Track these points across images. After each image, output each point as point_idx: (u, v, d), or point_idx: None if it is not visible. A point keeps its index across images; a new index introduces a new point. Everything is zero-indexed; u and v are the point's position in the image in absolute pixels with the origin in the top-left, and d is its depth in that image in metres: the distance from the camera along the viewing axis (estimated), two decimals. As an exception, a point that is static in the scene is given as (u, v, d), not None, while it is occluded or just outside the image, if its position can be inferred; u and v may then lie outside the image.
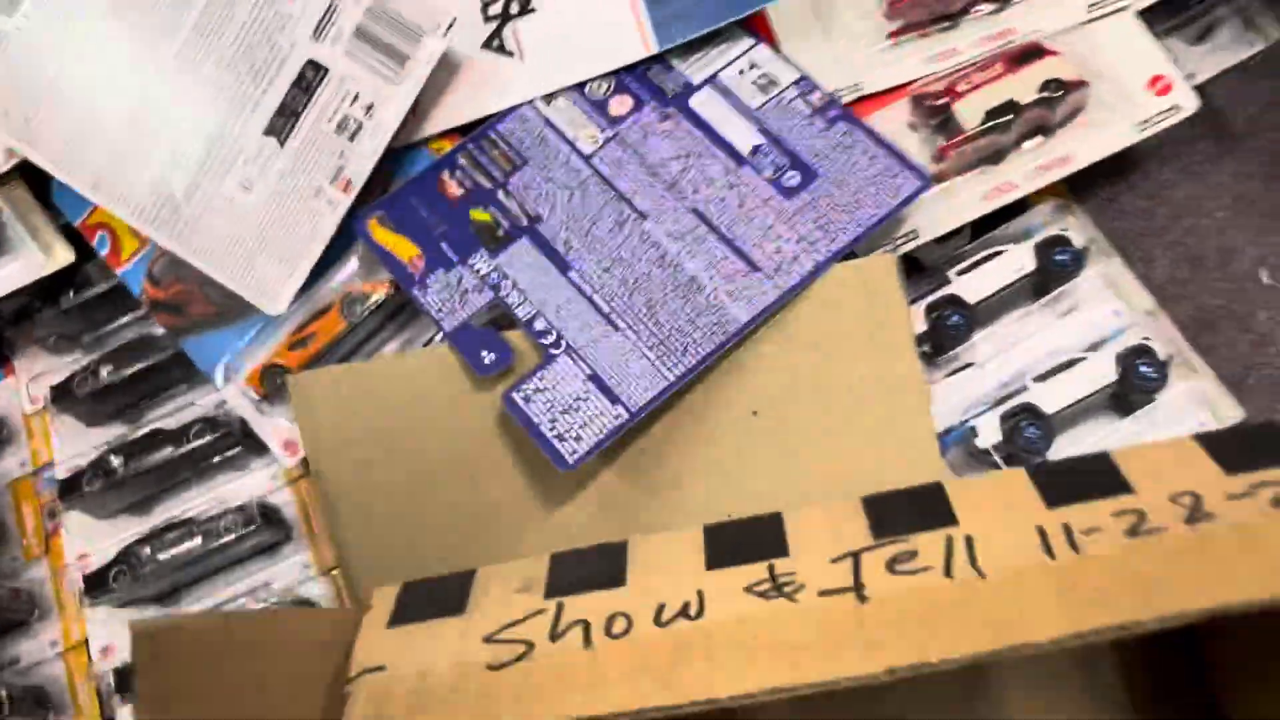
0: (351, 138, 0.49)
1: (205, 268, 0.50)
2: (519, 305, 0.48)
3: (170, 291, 0.54)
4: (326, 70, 0.49)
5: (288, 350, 0.50)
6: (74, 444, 0.56)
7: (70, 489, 0.53)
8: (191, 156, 0.49)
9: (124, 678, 0.52)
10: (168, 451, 0.53)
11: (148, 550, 0.52)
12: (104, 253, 0.54)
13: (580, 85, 0.52)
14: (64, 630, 0.54)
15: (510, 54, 0.53)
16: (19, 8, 0.50)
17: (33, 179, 0.55)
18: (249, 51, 0.49)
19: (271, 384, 0.50)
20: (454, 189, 0.51)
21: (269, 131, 0.49)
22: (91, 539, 0.55)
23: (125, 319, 0.58)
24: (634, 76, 0.51)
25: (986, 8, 0.52)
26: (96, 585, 0.52)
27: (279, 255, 0.49)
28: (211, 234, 0.50)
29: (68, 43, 0.49)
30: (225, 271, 0.50)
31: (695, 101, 0.50)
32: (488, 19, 0.53)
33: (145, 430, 0.55)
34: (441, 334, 0.48)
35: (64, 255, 0.56)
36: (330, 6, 0.49)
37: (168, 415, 0.56)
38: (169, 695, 0.34)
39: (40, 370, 0.59)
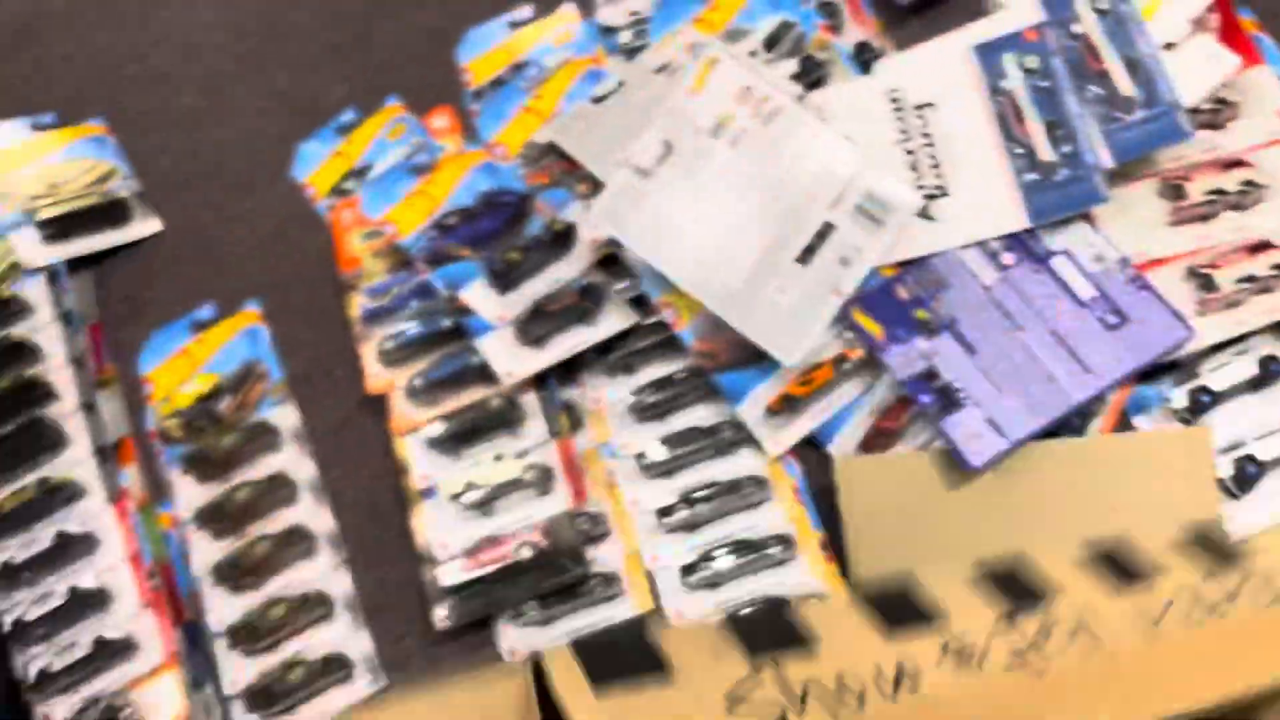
0: (846, 267, 0.84)
1: (749, 334, 0.85)
2: (944, 371, 0.82)
3: (708, 346, 0.90)
4: (835, 228, 0.85)
5: (798, 385, 0.85)
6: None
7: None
8: (751, 270, 0.85)
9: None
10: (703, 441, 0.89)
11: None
12: (670, 319, 0.90)
13: (982, 242, 0.86)
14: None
15: (932, 219, 0.87)
16: (657, 174, 0.86)
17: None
18: (792, 214, 0.85)
19: (787, 407, 0.85)
20: (904, 295, 0.85)
21: (797, 260, 0.85)
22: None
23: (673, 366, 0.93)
24: (1017, 240, 0.86)
25: (1236, 215, 0.85)
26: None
27: (795, 331, 0.85)
28: (755, 315, 0.85)
29: (685, 195, 0.86)
30: (761, 336, 0.85)
31: (1055, 263, 0.84)
32: (922, 199, 0.88)
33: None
34: (899, 381, 0.83)
35: (632, 317, 0.92)
36: (841, 194, 0.84)
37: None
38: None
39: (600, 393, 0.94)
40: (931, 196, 0.88)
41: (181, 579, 0.95)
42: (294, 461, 0.98)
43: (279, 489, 0.95)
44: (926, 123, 0.90)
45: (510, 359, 0.90)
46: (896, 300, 0.85)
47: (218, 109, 1.16)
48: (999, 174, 0.86)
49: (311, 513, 0.96)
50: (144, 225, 1.11)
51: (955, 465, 0.81)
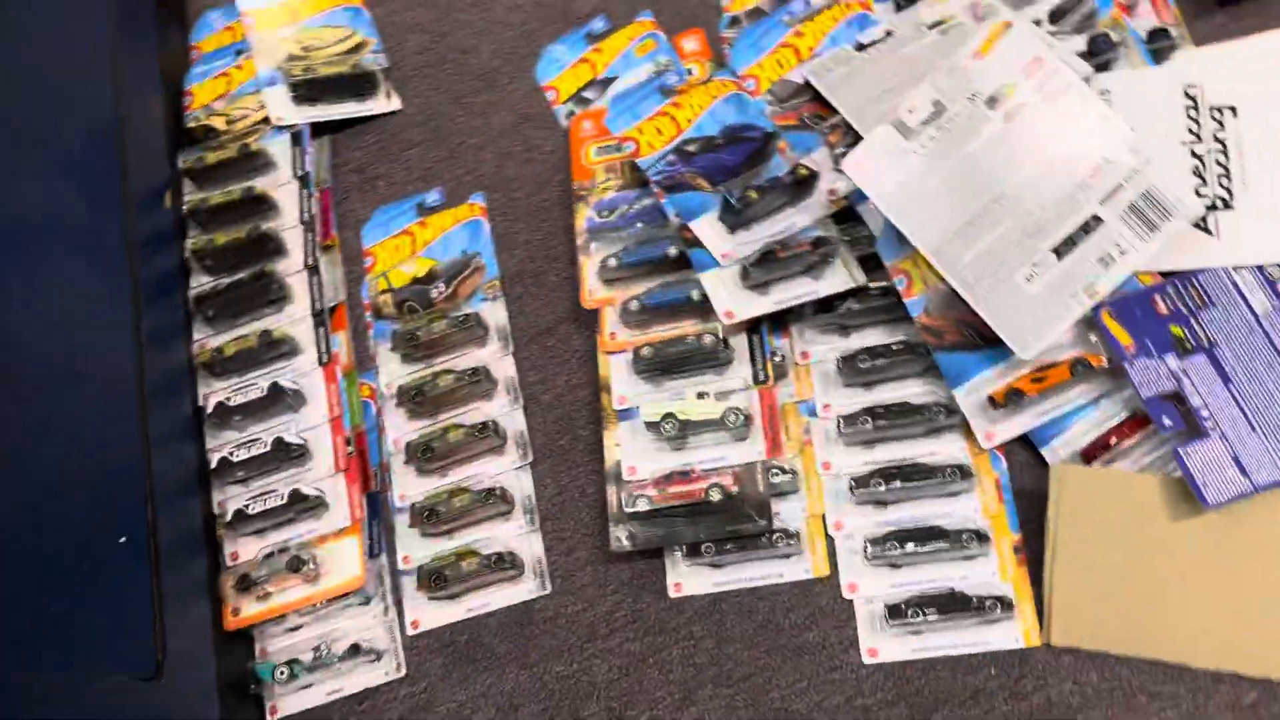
0: (1105, 267, 0.79)
1: (987, 317, 0.81)
2: (1191, 395, 0.77)
3: (936, 322, 0.86)
4: (1103, 222, 0.79)
5: (1029, 382, 0.81)
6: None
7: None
8: (1002, 252, 0.81)
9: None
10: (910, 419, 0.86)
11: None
12: (900, 287, 0.87)
13: (1262, 266, 0.79)
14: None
15: (1210, 233, 0.81)
16: (921, 134, 0.82)
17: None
18: (1059, 200, 0.80)
19: (1013, 401, 0.81)
20: (1162, 308, 0.80)
21: (1054, 250, 0.80)
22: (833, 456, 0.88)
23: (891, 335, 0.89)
24: (1302, 271, 0.79)
25: None
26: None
27: (1037, 324, 0.80)
28: (996, 299, 0.81)
29: (946, 161, 0.82)
30: (1000, 323, 0.81)
31: (1343, 300, 0.77)
32: (1203, 208, 0.81)
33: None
34: (1140, 397, 0.78)
35: (859, 277, 0.89)
36: (1116, 188, 0.79)
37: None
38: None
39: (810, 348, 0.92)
40: (1213, 207, 0.81)
41: (374, 450, 0.99)
42: (496, 358, 0.99)
43: (478, 382, 0.97)
44: (1223, 127, 0.83)
45: (731, 299, 0.88)
46: (1153, 311, 0.80)
47: (473, -2, 1.16)
48: (1298, 196, 0.79)
49: (505, 411, 0.97)
50: (386, 101, 1.13)
51: (1185, 496, 0.76)
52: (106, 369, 0.88)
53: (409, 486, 0.96)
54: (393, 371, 1.00)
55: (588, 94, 1.08)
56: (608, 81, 1.08)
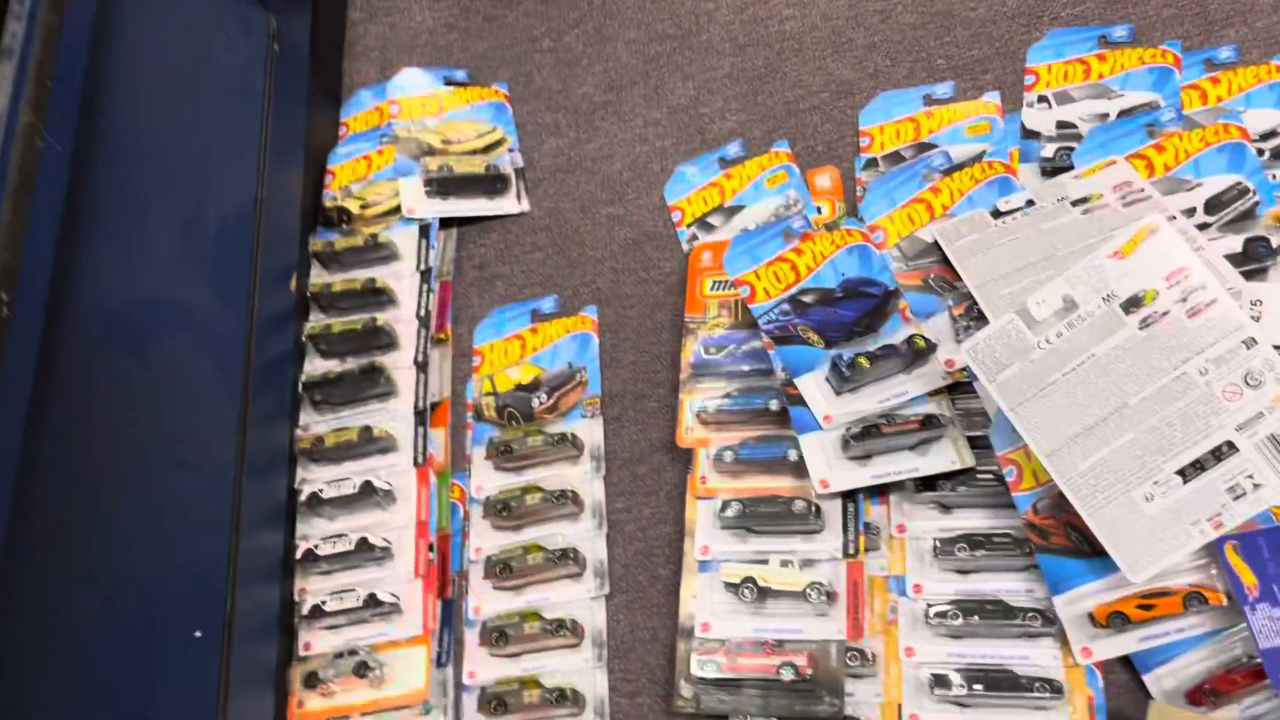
0: (1235, 498, 0.74)
1: (1098, 532, 0.77)
2: (1316, 656, 0.71)
3: (1043, 521, 0.81)
4: (1237, 450, 0.74)
5: (1135, 608, 0.76)
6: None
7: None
8: (1121, 466, 0.76)
9: None
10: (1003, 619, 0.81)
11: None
12: (1010, 478, 0.83)
13: None
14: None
15: (1358, 475, 0.74)
16: (1048, 328, 0.78)
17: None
18: (1190, 420, 0.75)
19: (1116, 622, 0.76)
20: (1294, 555, 0.74)
21: (1179, 472, 0.75)
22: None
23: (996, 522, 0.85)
24: None
25: None
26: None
27: (1152, 548, 0.75)
28: (1111, 513, 0.76)
29: (1073, 361, 0.78)
30: (1111, 540, 0.76)
31: None
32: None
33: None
34: (1258, 648, 0.72)
35: (968, 459, 0.85)
36: (1258, 414, 0.73)
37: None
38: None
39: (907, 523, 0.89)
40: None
41: (455, 555, 0.99)
42: (587, 481, 0.99)
43: (567, 504, 0.96)
44: (1385, 359, 0.76)
45: (828, 467, 0.85)
46: (1283, 553, 0.74)
47: (614, 107, 1.17)
48: None
49: (589, 535, 0.96)
50: (516, 202, 1.15)
51: (1294, 764, 0.70)
52: (211, 453, 0.90)
53: (485, 600, 0.96)
54: (485, 479, 1.01)
55: (712, 219, 1.07)
56: (734, 209, 1.06)
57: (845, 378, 0.86)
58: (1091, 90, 0.98)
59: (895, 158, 1.03)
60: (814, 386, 0.88)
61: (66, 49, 0.81)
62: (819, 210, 1.04)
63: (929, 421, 0.85)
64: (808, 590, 0.83)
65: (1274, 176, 0.87)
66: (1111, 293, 0.77)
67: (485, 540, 0.98)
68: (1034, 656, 0.81)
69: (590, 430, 1.01)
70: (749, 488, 0.89)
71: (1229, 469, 0.74)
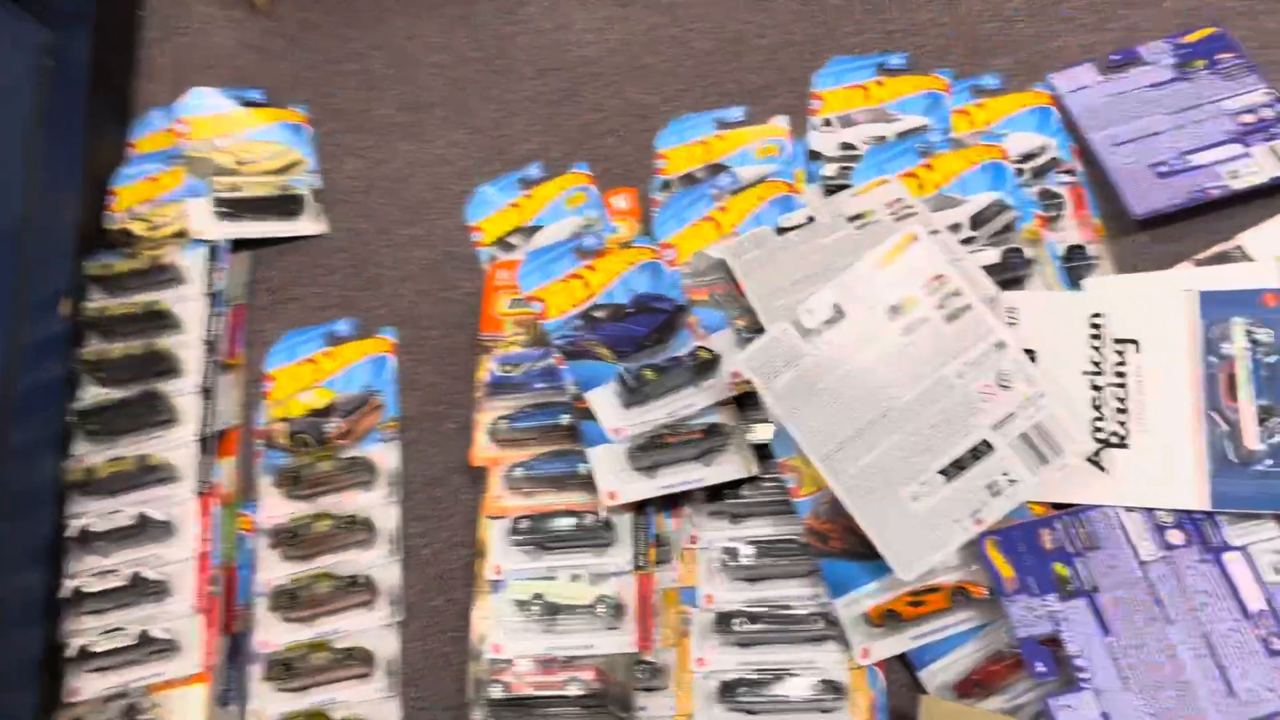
0: (992, 494, 0.77)
1: (870, 533, 0.79)
2: (1069, 642, 0.74)
3: (823, 526, 0.83)
4: (993, 449, 0.77)
5: (906, 605, 0.78)
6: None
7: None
8: (889, 467, 0.79)
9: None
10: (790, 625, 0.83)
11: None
12: (790, 485, 0.85)
13: (1152, 510, 0.77)
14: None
15: (1104, 470, 0.79)
16: (819, 337, 0.81)
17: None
18: (950, 422, 0.78)
19: (889, 622, 0.78)
20: (1048, 543, 0.77)
21: (942, 472, 0.78)
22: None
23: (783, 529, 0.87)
24: (1190, 519, 0.76)
25: None
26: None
27: (919, 546, 0.78)
28: (881, 514, 0.79)
29: (842, 368, 0.80)
30: (882, 540, 0.78)
31: (1227, 559, 0.75)
32: (1095, 443, 0.79)
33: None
34: (1016, 638, 0.75)
35: (752, 468, 0.87)
36: (1009, 417, 0.77)
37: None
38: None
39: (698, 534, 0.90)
40: (1107, 444, 0.80)
41: (242, 587, 0.94)
42: (381, 507, 0.96)
43: (358, 530, 0.93)
44: (1124, 360, 0.82)
45: (617, 479, 0.85)
46: (1038, 546, 0.77)
47: (415, 128, 1.16)
48: (1190, 443, 0.78)
49: (382, 562, 0.93)
50: (313, 223, 1.12)
51: (1052, 747, 0.73)
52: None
53: (272, 632, 0.91)
54: (273, 507, 0.97)
55: (512, 239, 1.07)
56: (534, 229, 1.06)
57: (632, 390, 0.87)
58: (871, 114, 1.03)
59: (689, 179, 1.05)
60: (603, 400, 0.88)
61: None
62: (616, 230, 1.04)
63: (713, 431, 0.86)
64: (596, 604, 0.82)
65: (1029, 188, 0.93)
66: (876, 300, 0.80)
67: (273, 571, 0.94)
68: (821, 659, 0.83)
69: (387, 453, 0.98)
70: (541, 505, 0.88)
71: (987, 467, 0.77)
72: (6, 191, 0.97)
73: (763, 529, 0.87)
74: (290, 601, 0.91)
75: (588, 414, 0.88)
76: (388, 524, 0.95)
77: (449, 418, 1.00)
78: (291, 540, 0.93)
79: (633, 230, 1.04)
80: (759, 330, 0.88)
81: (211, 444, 0.98)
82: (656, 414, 0.88)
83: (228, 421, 1.02)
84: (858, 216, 0.93)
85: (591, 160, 1.10)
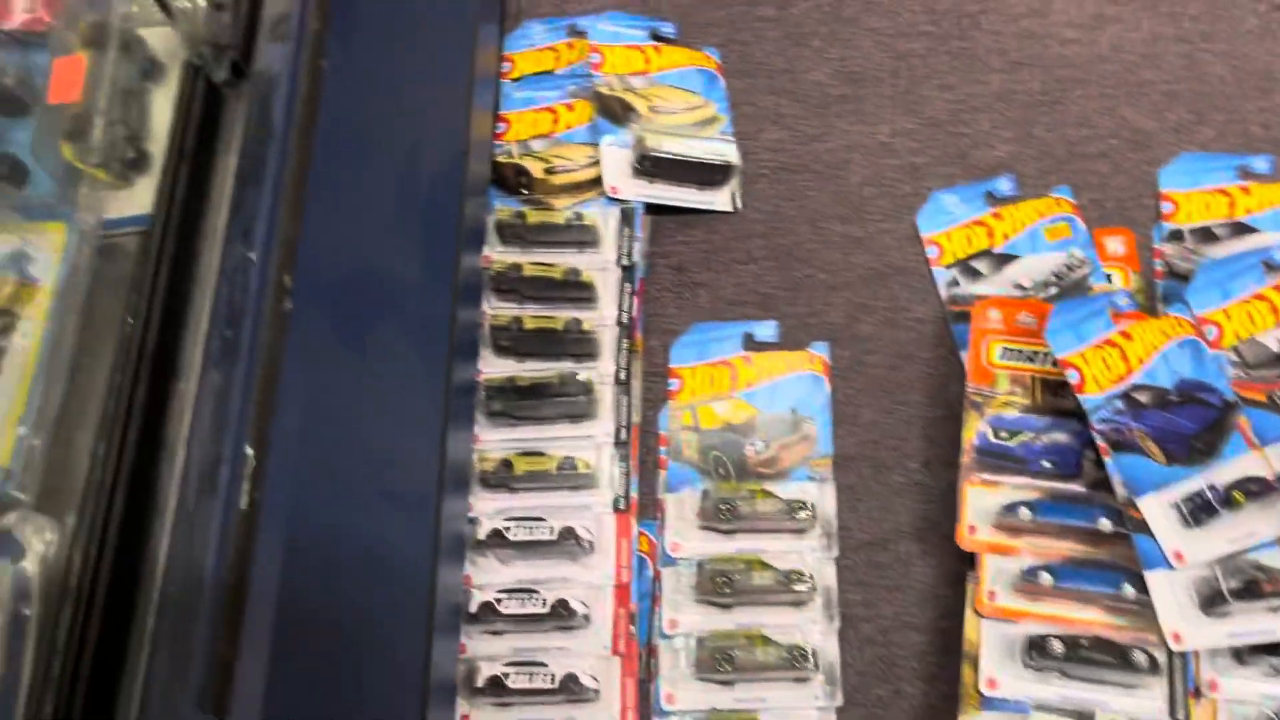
0: None
1: None
2: None
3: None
4: None
5: None
6: None
7: None
8: None
9: None
10: None
11: None
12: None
13: None
14: None
15: None
16: None
17: None
18: None
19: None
20: None
21: None
22: None
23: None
24: None
25: None
26: None
27: None
28: None
29: None
30: None
31: None
32: None
33: None
34: None
35: None
36: None
37: None
38: None
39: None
40: None
41: (642, 624, 0.81)
42: (817, 559, 0.82)
43: (793, 587, 0.79)
44: None
45: (1183, 617, 0.71)
46: None
47: (853, 105, 0.99)
48: None
49: (819, 634, 0.80)
50: (729, 199, 0.96)
51: None
52: (414, 474, 0.70)
53: (684, 693, 0.78)
54: (684, 536, 0.83)
55: (978, 264, 0.91)
56: (1007, 258, 0.90)
57: (1212, 511, 0.72)
58: None
59: (1206, 235, 0.89)
60: (1160, 512, 0.73)
61: None
62: (1108, 279, 0.88)
63: (1301, 577, 0.71)
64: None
65: None
66: None
67: (685, 615, 0.80)
68: None
69: (821, 496, 0.84)
70: (1059, 616, 0.74)
71: None
72: (453, 115, 0.81)
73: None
74: (712, 659, 0.77)
75: (1139, 525, 0.73)
76: (824, 583, 0.81)
77: (898, 469, 0.85)
78: (714, 589, 0.79)
79: (1129, 282, 0.88)
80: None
81: (626, 449, 0.84)
82: (1217, 542, 0.73)
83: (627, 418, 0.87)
84: None
85: (1075, 185, 0.93)
